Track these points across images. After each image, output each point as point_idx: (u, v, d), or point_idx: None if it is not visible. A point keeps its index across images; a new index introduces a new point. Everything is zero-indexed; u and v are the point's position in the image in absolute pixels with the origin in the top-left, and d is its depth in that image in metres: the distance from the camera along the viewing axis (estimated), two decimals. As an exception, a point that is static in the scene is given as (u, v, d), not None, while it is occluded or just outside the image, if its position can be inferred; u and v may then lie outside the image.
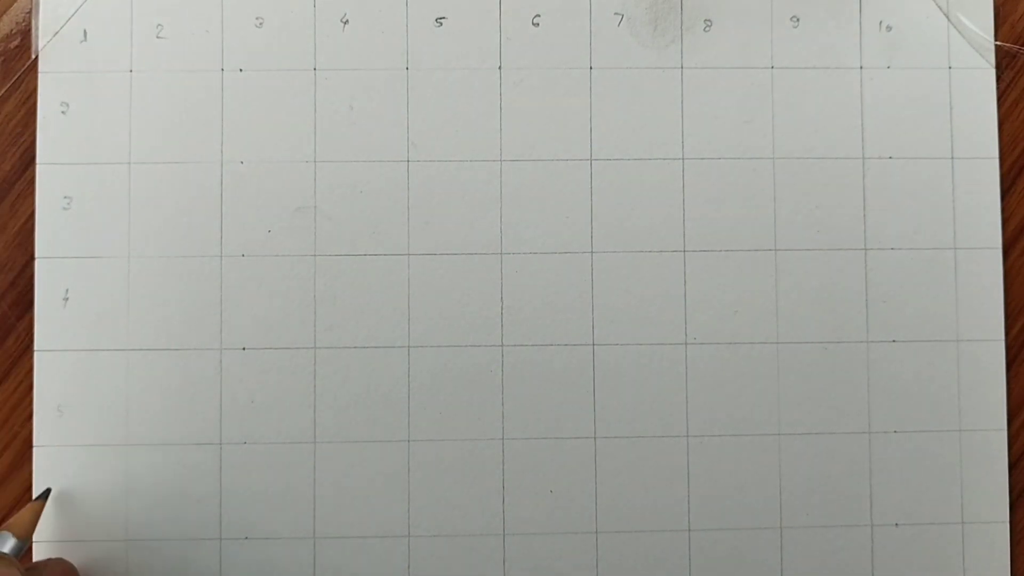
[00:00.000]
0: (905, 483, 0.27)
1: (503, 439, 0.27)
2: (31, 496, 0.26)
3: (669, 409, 0.27)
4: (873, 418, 0.27)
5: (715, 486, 0.27)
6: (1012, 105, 0.28)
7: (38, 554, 0.26)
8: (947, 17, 0.28)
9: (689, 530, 0.27)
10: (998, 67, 0.28)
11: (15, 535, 0.25)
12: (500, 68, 0.28)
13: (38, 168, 0.27)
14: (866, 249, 0.28)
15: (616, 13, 0.28)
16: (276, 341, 0.27)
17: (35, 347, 0.27)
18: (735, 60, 0.28)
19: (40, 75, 0.27)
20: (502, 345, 0.27)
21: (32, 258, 0.27)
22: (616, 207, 0.28)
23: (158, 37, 0.27)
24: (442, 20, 0.28)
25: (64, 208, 0.27)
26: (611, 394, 0.27)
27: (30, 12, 0.27)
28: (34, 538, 0.26)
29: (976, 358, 0.27)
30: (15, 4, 0.27)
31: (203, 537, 0.27)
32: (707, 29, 0.28)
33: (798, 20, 0.28)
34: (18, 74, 0.27)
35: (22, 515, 0.25)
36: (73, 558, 0.26)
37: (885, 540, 0.27)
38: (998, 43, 0.28)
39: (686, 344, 0.27)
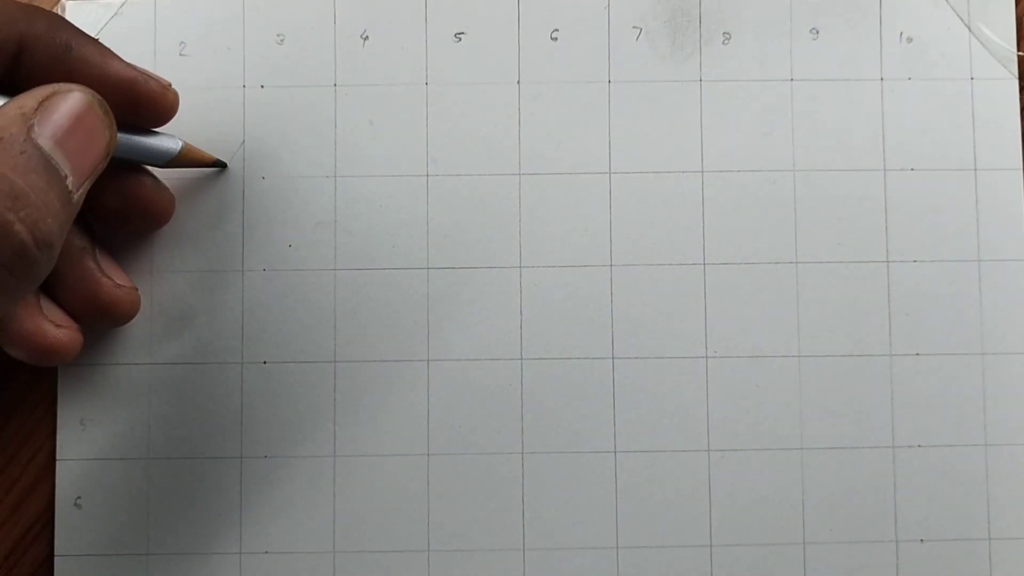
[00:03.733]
0: (930, 498, 0.27)
1: (523, 453, 0.27)
2: (53, 511, 0.27)
3: (690, 423, 0.27)
4: (897, 432, 0.27)
5: (737, 501, 0.27)
6: (1035, 115, 0.28)
7: (60, 569, 0.26)
8: (968, 28, 0.28)
9: (711, 545, 0.27)
10: (1021, 77, 0.28)
11: (183, 143, 0.25)
12: (519, 82, 0.28)
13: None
14: (888, 261, 0.27)
15: (634, 27, 0.28)
16: (296, 355, 0.27)
17: (59, 361, 0.27)
18: (754, 72, 0.28)
19: (65, 93, 0.27)
20: (521, 359, 0.27)
21: (56, 273, 0.27)
22: (635, 220, 0.27)
23: (181, 54, 0.28)
24: (461, 35, 0.28)
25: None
26: (631, 408, 0.27)
27: (56, 31, 0.28)
28: (56, 552, 0.26)
29: (1002, 371, 0.27)
30: (41, 23, 0.28)
31: (223, 551, 0.27)
32: (726, 42, 0.28)
33: (817, 32, 0.28)
34: (44, 92, 0.28)
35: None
36: (94, 573, 0.26)
37: (910, 556, 0.27)
38: (1020, 53, 0.28)
39: (707, 357, 0.27)
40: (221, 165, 0.27)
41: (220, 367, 0.27)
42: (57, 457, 0.27)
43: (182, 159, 0.26)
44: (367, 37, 0.28)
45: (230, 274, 0.27)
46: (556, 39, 0.28)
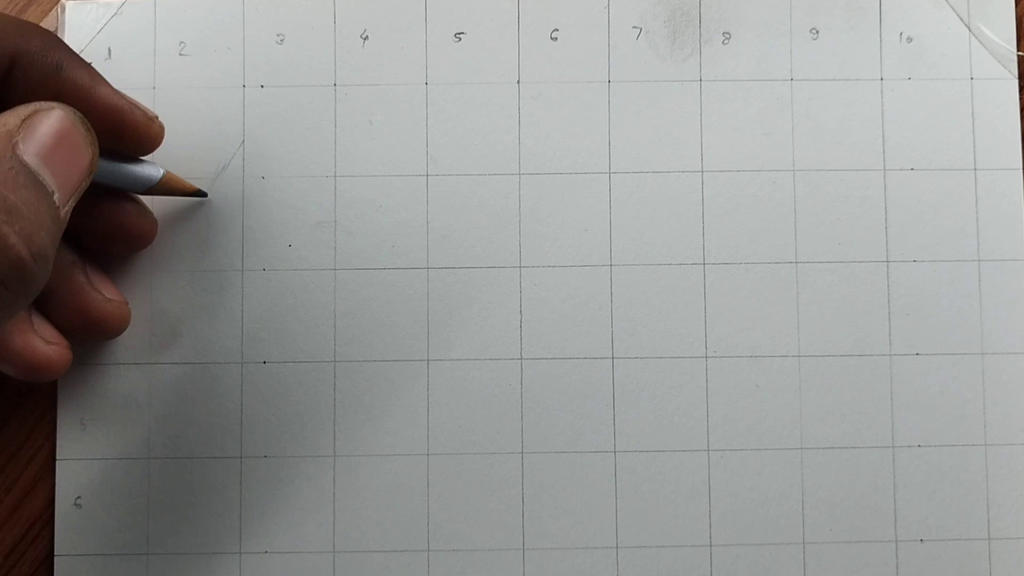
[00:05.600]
0: (930, 498, 0.27)
1: (522, 453, 0.27)
2: (54, 510, 0.27)
3: (690, 423, 0.27)
4: (897, 432, 0.27)
5: (736, 501, 0.27)
6: (1035, 115, 0.28)
7: (60, 568, 0.26)
8: (968, 28, 0.28)
9: (711, 545, 0.27)
10: (1021, 77, 0.28)
11: (164, 172, 0.25)
12: (519, 82, 0.28)
13: (63, 184, 0.27)
14: (888, 261, 0.27)
15: (634, 27, 0.28)
16: (296, 355, 0.27)
17: (59, 361, 0.27)
18: (754, 72, 0.28)
19: (65, 92, 0.27)
20: (521, 359, 0.27)
21: (56, 273, 0.27)
22: (635, 220, 0.27)
23: (181, 54, 0.28)
24: (461, 35, 0.28)
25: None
26: (631, 407, 0.27)
27: (56, 31, 0.28)
28: (56, 551, 0.26)
29: (1002, 370, 0.27)
30: (41, 23, 0.28)
31: (223, 551, 0.27)
32: (726, 42, 0.28)
33: (817, 32, 0.28)
34: (44, 92, 0.28)
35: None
36: (94, 573, 0.26)
37: (910, 556, 0.27)
38: (1020, 53, 0.28)
39: (706, 357, 0.27)
40: (202, 195, 0.27)
41: (220, 367, 0.27)
42: (57, 457, 0.27)
43: (163, 187, 0.25)
44: (367, 37, 0.28)
45: (230, 274, 0.27)
46: (556, 39, 0.28)
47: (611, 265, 0.27)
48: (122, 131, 0.24)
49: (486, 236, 0.27)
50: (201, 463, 0.27)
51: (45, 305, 0.25)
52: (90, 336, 0.26)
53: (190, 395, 0.27)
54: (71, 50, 0.23)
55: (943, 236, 0.28)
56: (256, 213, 0.27)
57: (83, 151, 0.21)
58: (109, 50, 0.28)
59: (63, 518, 0.27)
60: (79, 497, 0.27)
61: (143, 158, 0.25)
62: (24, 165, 0.20)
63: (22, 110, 0.21)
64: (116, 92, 0.24)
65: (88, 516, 0.27)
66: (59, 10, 0.28)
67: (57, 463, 0.27)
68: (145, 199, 0.26)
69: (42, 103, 0.21)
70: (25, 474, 0.27)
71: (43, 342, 0.24)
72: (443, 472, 0.27)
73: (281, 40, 0.28)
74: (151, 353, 0.27)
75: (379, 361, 0.27)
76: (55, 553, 0.26)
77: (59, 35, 0.27)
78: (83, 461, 0.27)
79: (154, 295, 0.27)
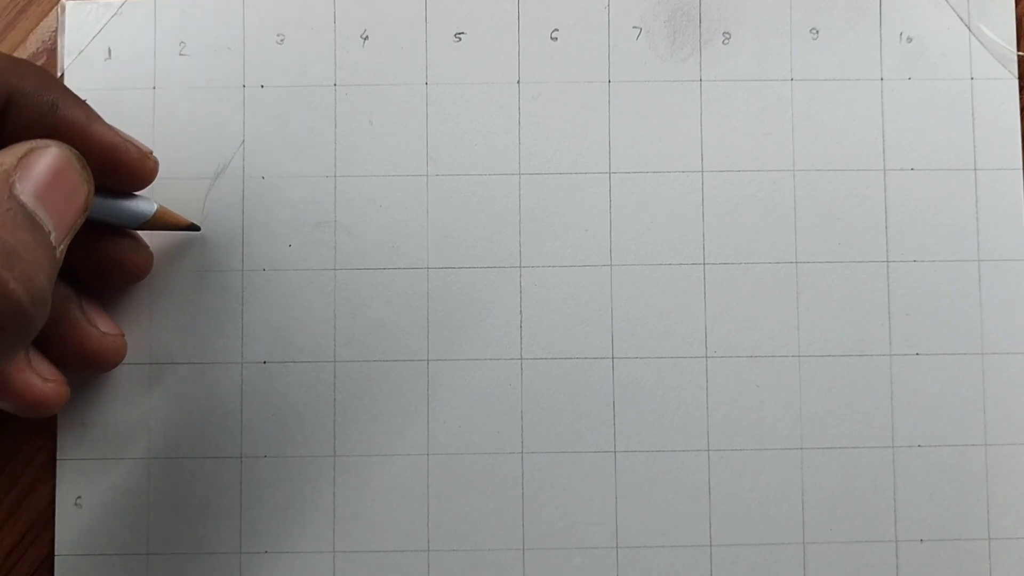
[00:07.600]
0: (930, 498, 0.27)
1: (522, 453, 0.27)
2: (54, 510, 0.27)
3: (690, 423, 0.27)
4: (897, 432, 0.27)
5: (737, 500, 0.27)
6: (1035, 115, 0.28)
7: (60, 568, 0.26)
8: (968, 28, 0.28)
9: (711, 545, 0.27)
10: (1021, 77, 0.28)
11: (157, 207, 0.25)
12: (519, 82, 0.28)
13: (63, 184, 0.27)
14: (888, 261, 0.27)
15: (634, 27, 0.28)
16: (296, 355, 0.27)
17: (59, 361, 0.27)
18: (754, 72, 0.28)
19: (65, 93, 0.27)
20: (521, 359, 0.27)
21: (56, 273, 0.27)
22: (635, 220, 0.27)
23: (181, 54, 0.28)
24: (461, 35, 0.28)
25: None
26: (631, 408, 0.27)
27: (56, 31, 0.28)
28: (56, 551, 0.26)
29: (1002, 370, 0.27)
30: (41, 23, 0.28)
31: (223, 551, 0.27)
32: (726, 42, 0.28)
33: (817, 32, 0.28)
34: (44, 92, 0.28)
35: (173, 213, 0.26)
36: (95, 573, 0.26)
37: (910, 556, 0.27)
38: (1020, 53, 0.28)
39: (707, 357, 0.27)
40: (195, 228, 0.27)
41: (220, 367, 0.27)
42: (57, 457, 0.27)
43: (156, 222, 0.25)
44: (367, 37, 0.28)
45: (230, 274, 0.27)
46: (556, 39, 0.28)
47: (611, 265, 0.27)
48: (117, 168, 0.24)
49: (486, 236, 0.27)
50: (201, 463, 0.27)
51: (41, 341, 0.24)
52: (85, 370, 0.26)
53: (190, 395, 0.27)
54: (66, 88, 0.23)
55: (943, 236, 0.28)
56: (256, 213, 0.27)
57: (79, 189, 0.21)
58: (109, 50, 0.28)
59: (63, 518, 0.27)
60: (79, 497, 0.27)
61: (136, 193, 0.25)
62: (21, 206, 0.20)
63: (17, 149, 0.21)
64: (111, 129, 0.24)
65: (88, 516, 0.27)
66: (59, 10, 0.28)
67: (57, 463, 0.27)
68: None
69: (38, 141, 0.21)
70: (25, 474, 0.27)
71: (40, 380, 0.24)
72: (443, 472, 0.27)
73: (281, 40, 0.28)
74: (151, 353, 0.27)
75: (379, 361, 0.27)
76: (55, 553, 0.26)
77: (59, 35, 0.28)
78: (83, 461, 0.27)
79: (154, 295, 0.27)
